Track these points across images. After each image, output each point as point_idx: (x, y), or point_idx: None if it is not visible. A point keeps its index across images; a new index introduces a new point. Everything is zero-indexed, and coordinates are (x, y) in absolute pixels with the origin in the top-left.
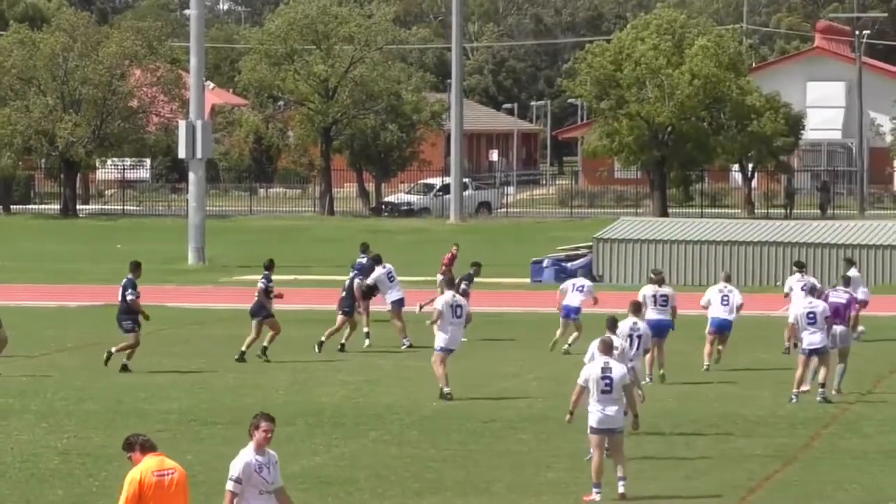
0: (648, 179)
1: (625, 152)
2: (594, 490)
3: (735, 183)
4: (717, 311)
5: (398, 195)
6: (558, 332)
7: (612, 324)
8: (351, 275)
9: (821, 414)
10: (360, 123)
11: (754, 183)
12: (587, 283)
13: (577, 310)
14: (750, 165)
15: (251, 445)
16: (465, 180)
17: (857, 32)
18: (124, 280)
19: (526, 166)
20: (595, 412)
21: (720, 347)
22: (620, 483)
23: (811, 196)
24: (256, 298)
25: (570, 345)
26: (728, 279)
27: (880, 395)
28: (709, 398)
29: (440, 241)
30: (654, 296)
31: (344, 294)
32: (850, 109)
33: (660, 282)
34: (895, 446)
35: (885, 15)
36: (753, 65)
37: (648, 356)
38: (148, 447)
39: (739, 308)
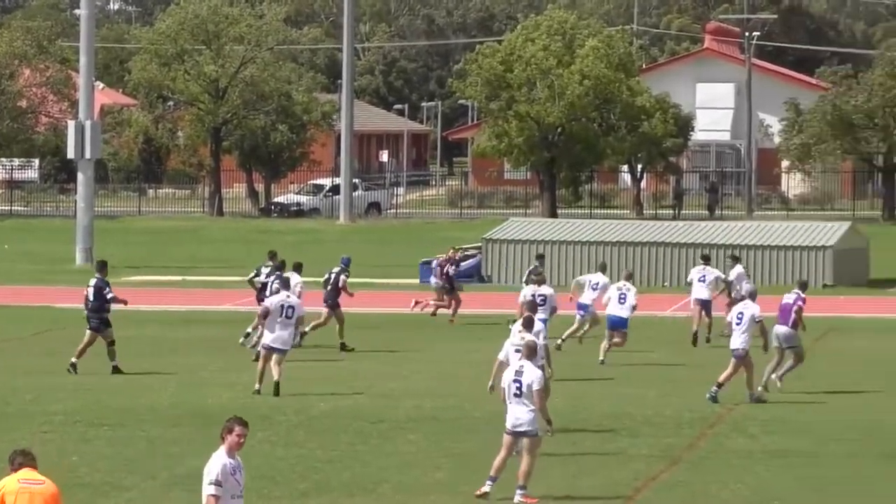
0: (538, 180)
1: (514, 153)
2: (487, 482)
3: (624, 184)
4: (613, 309)
5: (288, 196)
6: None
7: (529, 322)
8: (336, 269)
9: (707, 414)
10: (251, 124)
11: (643, 184)
12: (602, 279)
13: (587, 306)
14: (639, 166)
15: (223, 449)
16: (355, 181)
17: (746, 34)
18: (95, 281)
19: (416, 167)
20: (508, 414)
21: (617, 340)
22: (518, 492)
23: (700, 197)
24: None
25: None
26: (629, 278)
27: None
28: (596, 397)
29: (329, 241)
30: (534, 296)
31: (329, 288)
32: (739, 111)
33: (539, 282)
34: (780, 446)
35: (775, 16)
36: (644, 66)
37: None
38: (25, 465)
39: (633, 308)
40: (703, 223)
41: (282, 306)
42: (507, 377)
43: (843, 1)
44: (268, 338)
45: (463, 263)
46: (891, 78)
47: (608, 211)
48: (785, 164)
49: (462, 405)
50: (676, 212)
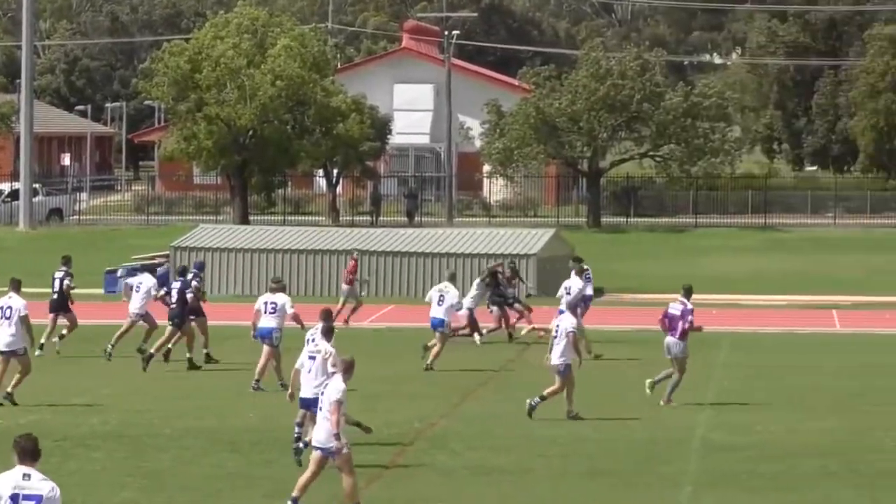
0: (229, 185)
1: (204, 156)
2: (288, 502)
3: (319, 189)
4: (433, 310)
5: None
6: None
7: (328, 331)
8: (176, 285)
9: (406, 430)
10: None
11: (339, 189)
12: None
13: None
14: (335, 171)
15: None
16: (36, 186)
17: (445, 33)
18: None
19: (100, 171)
20: (315, 429)
21: (433, 343)
22: None
23: (398, 203)
24: None
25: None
26: (452, 279)
27: (469, 408)
28: (290, 414)
29: (9, 249)
30: (265, 303)
31: (175, 303)
32: (438, 113)
33: (275, 290)
34: (483, 463)
35: (475, 15)
36: (339, 65)
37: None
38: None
39: (450, 308)
40: (403, 230)
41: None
42: (319, 391)
43: None
44: None
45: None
46: (595, 79)
47: (303, 217)
48: (487, 168)
49: (151, 421)
50: (374, 218)
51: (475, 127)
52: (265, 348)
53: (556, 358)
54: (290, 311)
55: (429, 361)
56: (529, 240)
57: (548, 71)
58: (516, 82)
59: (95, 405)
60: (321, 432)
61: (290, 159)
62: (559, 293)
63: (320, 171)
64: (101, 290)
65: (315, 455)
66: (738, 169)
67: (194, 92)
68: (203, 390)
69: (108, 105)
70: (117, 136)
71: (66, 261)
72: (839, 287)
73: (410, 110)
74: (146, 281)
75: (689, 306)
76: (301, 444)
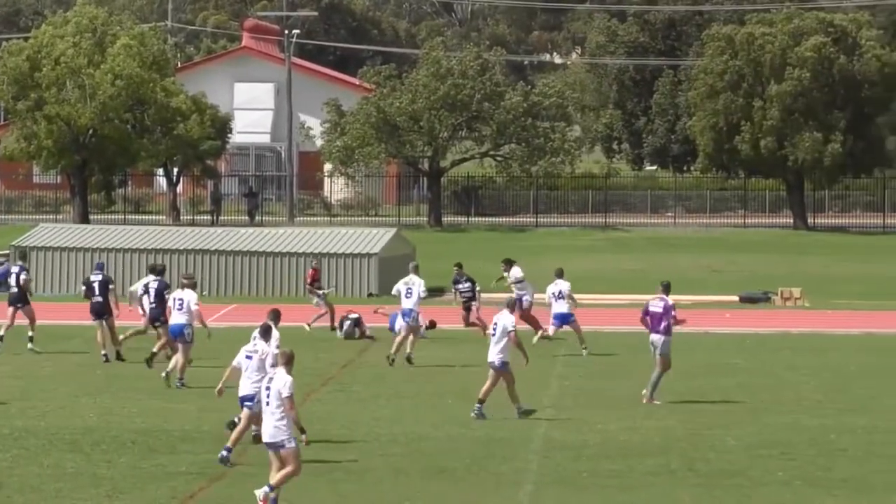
0: (69, 184)
1: (44, 156)
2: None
3: (160, 188)
4: (403, 303)
5: None
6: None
7: (266, 330)
8: (143, 282)
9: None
10: None
11: (180, 188)
12: (564, 287)
13: (568, 315)
14: (175, 170)
15: None
16: None
17: (286, 32)
18: (17, 267)
19: None
20: (263, 425)
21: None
22: (265, 489)
23: (239, 202)
24: None
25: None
26: (416, 270)
27: (310, 409)
28: (131, 413)
29: None
30: (174, 300)
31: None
32: (279, 112)
33: (185, 286)
34: (322, 458)
35: (316, 14)
36: (179, 64)
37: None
38: None
39: (418, 299)
40: (244, 229)
41: None
42: (262, 385)
43: None
44: None
45: None
46: (436, 79)
47: (143, 216)
48: (328, 167)
49: None
50: (215, 217)
51: (316, 126)
52: (180, 346)
53: (493, 355)
54: (194, 307)
55: (409, 352)
56: (370, 239)
57: (388, 70)
58: (357, 81)
59: None
60: (267, 428)
61: (131, 158)
62: (547, 297)
63: (160, 171)
64: None
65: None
66: (578, 168)
67: (34, 91)
68: (46, 390)
69: None
70: None
71: (23, 255)
72: (680, 286)
73: (251, 109)
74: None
75: (671, 302)
76: (225, 453)
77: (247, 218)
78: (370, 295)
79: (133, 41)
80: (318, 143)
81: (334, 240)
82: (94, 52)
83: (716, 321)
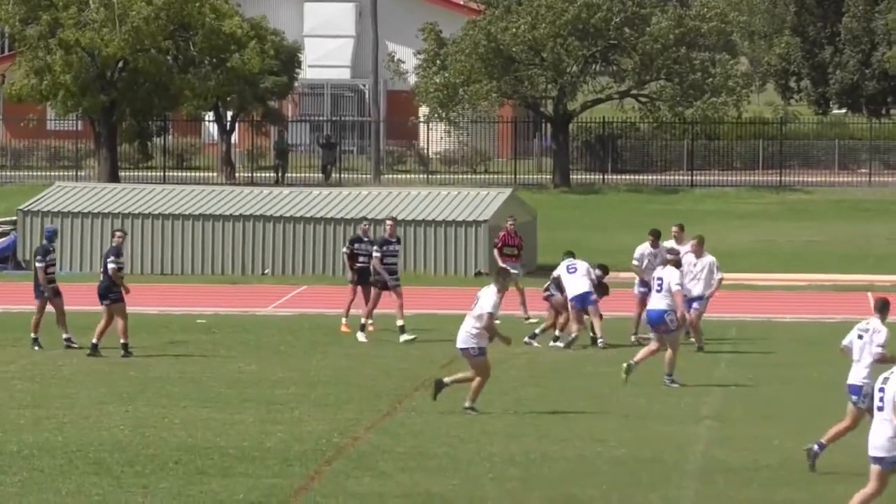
0: (93, 132)
1: (60, 95)
2: None
3: (210, 137)
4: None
5: None
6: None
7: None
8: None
9: (323, 446)
10: None
11: (235, 137)
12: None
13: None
14: (229, 114)
15: None
16: None
17: None
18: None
19: None
20: None
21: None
22: None
23: (312, 156)
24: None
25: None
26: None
27: (401, 419)
28: (172, 425)
29: None
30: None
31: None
32: (361, 40)
33: (666, 262)
34: (413, 487)
35: None
36: None
37: None
38: None
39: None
40: (317, 190)
41: None
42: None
43: None
44: None
45: None
46: None
47: (188, 173)
48: (424, 111)
49: None
50: (280, 175)
51: (409, 59)
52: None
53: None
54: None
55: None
56: (479, 203)
57: None
58: (461, 1)
59: None
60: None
61: (172, 99)
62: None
63: (210, 115)
64: None
65: None
66: (745, 112)
67: (47, 12)
68: (65, 396)
69: None
70: None
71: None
72: (877, 266)
73: (326, 36)
74: None
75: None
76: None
77: (321, 175)
78: (478, 274)
79: None
80: (412, 79)
81: (432, 203)
82: None
83: None
